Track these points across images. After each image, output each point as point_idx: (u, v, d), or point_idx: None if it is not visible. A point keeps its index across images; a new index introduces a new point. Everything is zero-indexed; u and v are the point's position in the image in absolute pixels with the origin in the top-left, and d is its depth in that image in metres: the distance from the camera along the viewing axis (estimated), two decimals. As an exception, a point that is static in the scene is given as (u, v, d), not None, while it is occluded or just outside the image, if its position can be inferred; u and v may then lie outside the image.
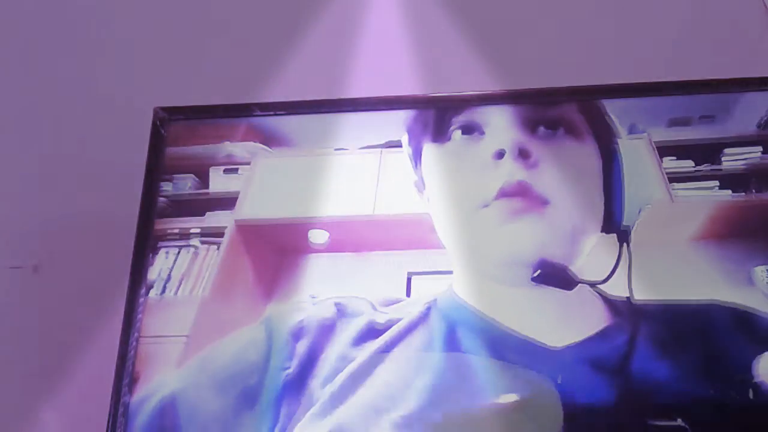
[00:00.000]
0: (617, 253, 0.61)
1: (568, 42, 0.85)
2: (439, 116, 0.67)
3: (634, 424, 0.56)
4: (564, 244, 0.61)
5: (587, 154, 0.63)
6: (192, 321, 0.64)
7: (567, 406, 0.56)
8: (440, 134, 0.66)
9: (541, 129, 0.64)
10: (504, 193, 0.61)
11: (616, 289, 0.60)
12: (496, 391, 0.57)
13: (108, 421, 0.61)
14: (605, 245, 0.61)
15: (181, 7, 0.91)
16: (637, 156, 0.64)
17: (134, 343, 0.63)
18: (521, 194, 0.61)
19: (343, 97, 0.74)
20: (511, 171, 0.61)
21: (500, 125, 0.64)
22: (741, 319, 0.59)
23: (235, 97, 0.74)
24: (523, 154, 0.62)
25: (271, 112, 0.73)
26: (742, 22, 0.85)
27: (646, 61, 0.82)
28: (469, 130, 0.65)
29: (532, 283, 0.60)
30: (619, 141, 0.64)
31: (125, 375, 0.62)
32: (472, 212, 0.62)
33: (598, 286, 0.61)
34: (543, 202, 0.61)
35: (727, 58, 0.80)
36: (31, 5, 0.93)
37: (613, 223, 0.62)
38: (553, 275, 0.60)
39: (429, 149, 0.66)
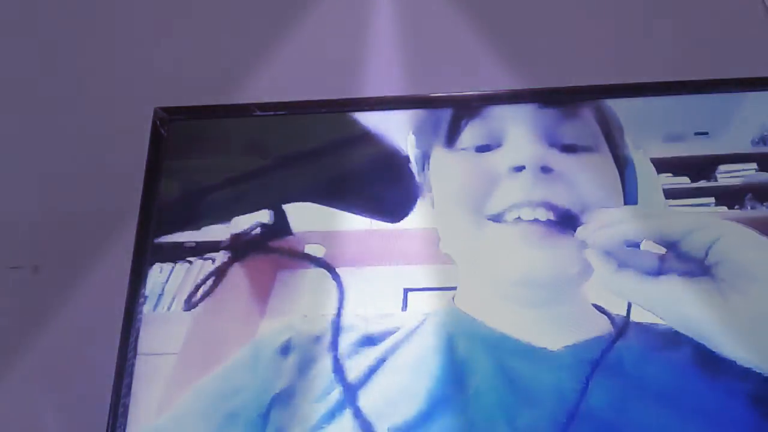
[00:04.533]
0: None
1: (566, 42, 0.85)
2: (452, 120, 0.66)
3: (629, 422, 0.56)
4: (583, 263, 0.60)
5: (607, 167, 0.63)
6: (184, 338, 0.63)
7: (564, 406, 0.56)
8: (452, 139, 0.65)
9: (561, 142, 0.63)
10: (525, 212, 0.60)
11: (616, 306, 0.60)
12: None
13: (108, 422, 0.60)
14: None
15: (181, 6, 0.91)
16: (646, 170, 0.64)
17: (134, 343, 0.63)
18: (543, 214, 0.60)
19: (344, 97, 0.73)
20: (532, 187, 0.60)
21: (520, 137, 0.63)
22: None
23: (235, 97, 0.74)
24: (544, 170, 0.61)
25: (271, 112, 0.72)
26: (742, 22, 0.85)
27: (646, 61, 0.82)
28: (485, 138, 0.64)
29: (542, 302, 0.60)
30: (633, 154, 0.64)
31: (125, 375, 0.62)
32: (483, 224, 0.61)
33: (599, 303, 0.61)
34: (569, 223, 0.60)
35: (727, 58, 0.80)
36: (30, 5, 0.93)
37: None
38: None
39: (439, 154, 0.65)
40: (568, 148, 0.63)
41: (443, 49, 0.85)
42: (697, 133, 0.66)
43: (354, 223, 0.66)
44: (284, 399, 0.59)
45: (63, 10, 0.92)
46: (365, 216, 0.66)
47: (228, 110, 0.73)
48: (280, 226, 0.66)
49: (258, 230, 0.66)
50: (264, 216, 0.67)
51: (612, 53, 0.84)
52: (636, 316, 0.59)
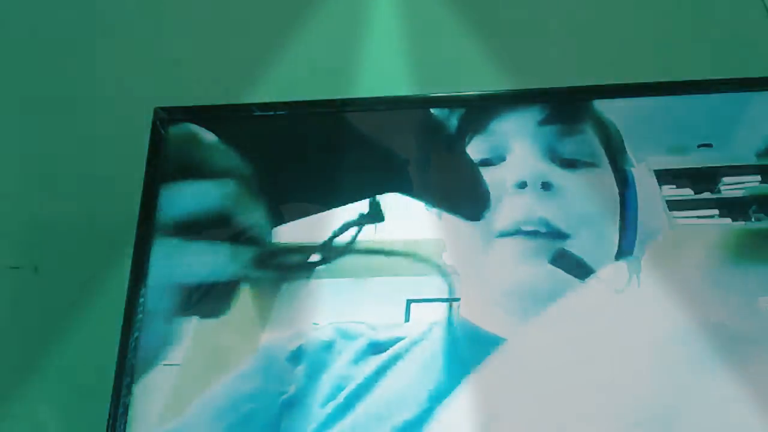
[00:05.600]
0: (627, 281, 0.62)
1: (566, 42, 0.85)
2: (457, 134, 0.67)
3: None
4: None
5: (607, 183, 0.64)
6: (187, 347, 0.63)
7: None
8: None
9: (563, 158, 0.65)
10: (526, 227, 0.62)
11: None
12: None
13: (108, 422, 0.60)
14: (615, 272, 0.62)
15: (181, 6, 0.91)
16: (648, 185, 0.65)
17: (134, 344, 0.63)
18: (543, 230, 0.62)
19: (344, 97, 0.73)
20: (533, 204, 0.63)
21: (522, 153, 0.65)
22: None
23: (235, 97, 0.74)
24: (545, 187, 0.63)
25: (271, 112, 0.72)
26: (742, 22, 0.85)
27: (646, 61, 0.82)
28: (489, 153, 0.66)
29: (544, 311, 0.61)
30: (633, 170, 0.65)
31: (125, 375, 0.62)
32: (489, 239, 0.63)
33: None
34: (563, 237, 0.62)
35: (727, 59, 0.80)
36: (30, 4, 0.93)
37: (624, 251, 0.63)
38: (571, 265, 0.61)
39: None
40: (570, 164, 0.65)
41: (443, 49, 0.85)
42: (700, 145, 0.67)
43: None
44: (294, 405, 0.59)
45: (63, 9, 0.92)
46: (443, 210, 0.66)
47: (228, 110, 0.73)
48: (375, 214, 0.66)
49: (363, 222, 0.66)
50: (362, 207, 0.67)
51: (612, 53, 0.84)
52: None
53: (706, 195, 0.65)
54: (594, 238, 0.63)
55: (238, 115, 0.73)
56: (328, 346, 0.62)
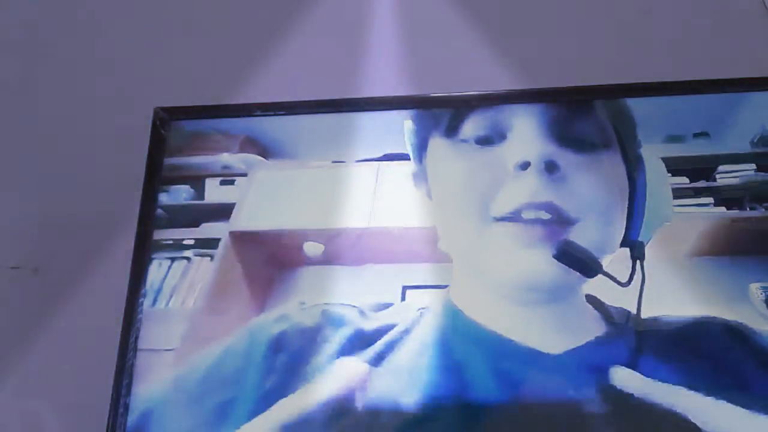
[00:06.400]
0: (631, 268, 0.59)
1: (567, 42, 0.85)
2: (453, 110, 0.64)
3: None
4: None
5: (616, 166, 0.61)
6: (182, 334, 0.63)
7: (570, 408, 0.56)
8: (453, 129, 0.62)
9: (570, 138, 0.60)
10: (528, 213, 0.58)
11: (615, 301, 0.60)
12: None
13: (108, 422, 0.60)
14: (619, 259, 0.60)
15: (181, 6, 0.91)
16: (656, 168, 0.62)
17: (134, 344, 0.63)
18: (547, 216, 0.58)
19: (344, 97, 0.73)
20: (537, 187, 0.58)
21: (525, 131, 0.60)
22: (737, 334, 0.58)
23: (236, 97, 0.75)
24: (549, 168, 0.58)
25: (271, 113, 0.72)
26: (742, 22, 0.85)
27: (647, 61, 0.82)
28: (488, 130, 0.61)
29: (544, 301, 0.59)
30: (643, 153, 0.62)
31: (125, 375, 0.62)
32: (487, 223, 0.59)
33: (598, 297, 0.60)
34: (569, 224, 0.58)
35: (727, 58, 0.80)
36: (30, 5, 0.93)
37: (629, 237, 0.60)
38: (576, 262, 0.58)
39: (438, 143, 0.63)
40: (577, 145, 0.60)
41: (443, 49, 0.85)
42: (696, 134, 0.66)
43: (352, 221, 0.66)
44: (279, 391, 0.58)
45: (63, 10, 0.92)
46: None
47: (228, 110, 0.73)
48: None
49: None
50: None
51: (612, 53, 0.84)
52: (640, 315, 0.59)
53: (702, 183, 0.65)
54: (601, 225, 0.59)
55: (238, 115, 0.73)
56: (313, 333, 0.60)
